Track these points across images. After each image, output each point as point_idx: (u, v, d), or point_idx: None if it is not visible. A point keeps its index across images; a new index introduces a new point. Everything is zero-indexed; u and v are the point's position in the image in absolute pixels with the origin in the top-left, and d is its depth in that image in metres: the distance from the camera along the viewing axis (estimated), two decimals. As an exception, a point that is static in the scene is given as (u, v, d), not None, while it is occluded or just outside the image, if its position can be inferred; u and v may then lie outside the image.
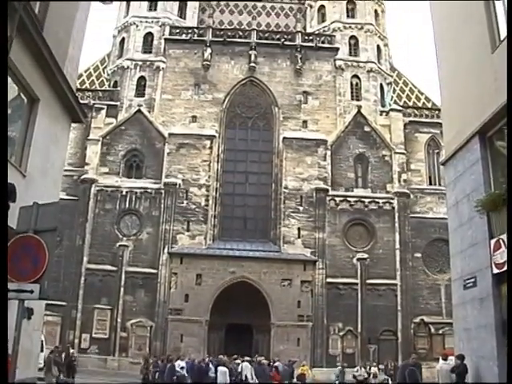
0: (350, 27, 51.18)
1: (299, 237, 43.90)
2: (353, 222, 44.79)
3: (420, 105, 50.70)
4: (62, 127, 15.82)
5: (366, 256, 43.79)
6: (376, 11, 53.06)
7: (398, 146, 46.66)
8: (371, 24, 51.32)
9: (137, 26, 50.50)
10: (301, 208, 44.60)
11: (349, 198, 45.02)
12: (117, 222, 43.81)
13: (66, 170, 19.84)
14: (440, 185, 44.28)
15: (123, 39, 50.99)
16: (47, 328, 35.83)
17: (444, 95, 18.17)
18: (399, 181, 45.56)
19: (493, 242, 12.82)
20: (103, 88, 49.62)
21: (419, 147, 47.56)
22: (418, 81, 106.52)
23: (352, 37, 50.88)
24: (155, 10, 51.49)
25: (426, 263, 44.50)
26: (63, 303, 40.07)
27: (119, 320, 41.70)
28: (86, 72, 50.34)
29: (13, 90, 12.18)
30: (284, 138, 46.57)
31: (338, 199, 44.93)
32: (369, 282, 43.09)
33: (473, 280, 13.86)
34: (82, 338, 41.07)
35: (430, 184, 46.86)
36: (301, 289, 41.83)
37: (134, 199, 44.34)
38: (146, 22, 50.70)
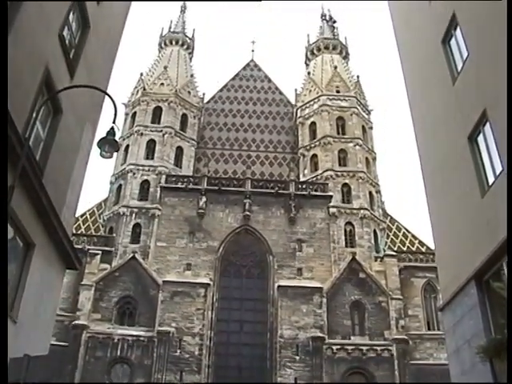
0: (342, 175, 52.68)
1: (296, 387, 42.38)
2: (351, 370, 43.32)
3: (414, 249, 51.09)
4: (56, 273, 15.72)
5: (366, 407, 42.09)
6: (367, 159, 54.97)
7: (394, 291, 46.31)
8: (363, 172, 52.88)
9: (134, 174, 51.94)
10: (297, 357, 43.38)
11: (346, 346, 43.94)
12: (107, 371, 42.27)
13: (57, 315, 19.39)
14: (439, 329, 43.56)
15: (120, 186, 52.28)
16: None
17: (437, 241, 18.33)
18: (397, 327, 44.75)
19: (499, 390, 12.35)
20: (99, 234, 50.20)
21: (416, 292, 47.23)
22: (412, 224, 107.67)
23: (344, 184, 52.19)
24: (152, 158, 53.35)
25: (428, 413, 42.65)
26: None
27: None
28: (82, 217, 51.28)
29: (8, 232, 12.16)
30: (279, 286, 46.26)
31: (335, 347, 43.83)
32: (370, 434, 41.13)
33: (481, 432, 13.21)
34: None
35: (429, 329, 46.06)
36: None
37: (125, 347, 43.16)
38: (143, 169, 52.25)
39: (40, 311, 14.35)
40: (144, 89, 58.23)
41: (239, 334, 46.05)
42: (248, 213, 49.25)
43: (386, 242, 51.18)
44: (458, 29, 15.80)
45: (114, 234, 49.06)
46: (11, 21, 10.81)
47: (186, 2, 73.60)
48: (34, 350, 10.39)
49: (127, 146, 54.49)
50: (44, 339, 14.69)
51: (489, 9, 13.38)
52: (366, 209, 50.79)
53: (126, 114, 58.48)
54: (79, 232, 49.00)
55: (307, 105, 59.44)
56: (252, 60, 69.30)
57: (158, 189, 50.79)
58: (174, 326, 44.01)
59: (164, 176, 51.63)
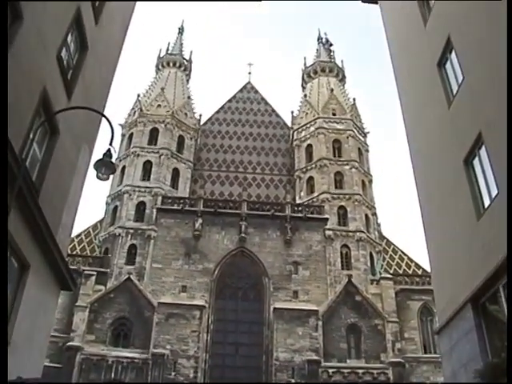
0: (338, 197, 52.71)
1: (291, 411, 41.98)
2: (347, 394, 43.03)
3: (410, 272, 50.93)
4: (51, 294, 15.59)
5: (362, 432, 41.63)
6: (363, 181, 55.09)
7: (390, 314, 46.08)
8: (359, 194, 52.91)
9: (130, 195, 51.91)
10: (293, 380, 42.98)
11: (342, 370, 43.56)
12: (101, 394, 41.91)
13: (50, 336, 19.22)
14: (435, 352, 43.07)
15: (116, 207, 52.23)
16: None
17: (433, 264, 18.27)
18: (393, 350, 44.43)
19: (497, 414, 12.18)
20: (94, 254, 49.99)
21: (412, 315, 46.95)
22: (408, 247, 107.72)
23: (341, 207, 52.17)
24: (148, 179, 53.37)
25: None
26: None
27: None
28: (77, 238, 51.05)
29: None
30: (275, 308, 45.97)
31: (330, 371, 43.46)
32: None
33: None
34: None
35: (426, 352, 45.63)
36: None
37: (120, 369, 42.68)
38: (139, 191, 52.23)
39: (34, 332, 14.21)
40: (141, 110, 58.43)
41: (234, 356, 45.68)
42: (244, 235, 49.13)
43: (382, 265, 51.06)
44: (454, 52, 15.88)
45: (110, 255, 48.86)
46: (9, 42, 10.85)
47: (184, 25, 74.27)
48: (27, 372, 10.26)
49: (123, 167, 54.53)
50: (38, 361, 14.55)
51: (484, 33, 13.47)
52: (362, 231, 50.73)
53: (123, 135, 58.62)
54: (74, 253, 48.83)
55: (303, 127, 59.70)
56: (249, 82, 69.73)
57: (154, 210, 50.69)
58: (169, 348, 43.65)
59: (160, 197, 51.60)
